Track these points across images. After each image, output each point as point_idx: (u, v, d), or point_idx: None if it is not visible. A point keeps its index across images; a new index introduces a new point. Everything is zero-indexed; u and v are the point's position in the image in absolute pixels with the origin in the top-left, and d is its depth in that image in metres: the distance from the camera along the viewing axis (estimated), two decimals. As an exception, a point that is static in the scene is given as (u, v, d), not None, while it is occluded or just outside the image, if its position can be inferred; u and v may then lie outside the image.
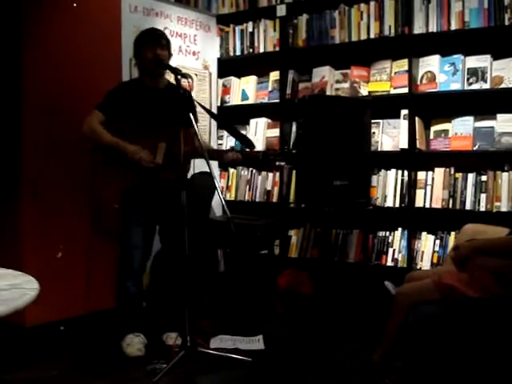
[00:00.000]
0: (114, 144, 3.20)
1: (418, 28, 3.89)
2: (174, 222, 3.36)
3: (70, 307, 3.53)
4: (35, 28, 3.39)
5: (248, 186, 4.67)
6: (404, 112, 3.98)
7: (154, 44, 3.25)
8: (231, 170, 4.76)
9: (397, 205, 4.02)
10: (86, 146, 3.30)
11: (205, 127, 4.35)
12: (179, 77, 3.07)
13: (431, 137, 3.98)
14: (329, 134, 3.65)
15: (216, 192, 3.84)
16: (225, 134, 4.79)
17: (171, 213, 3.34)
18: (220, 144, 4.76)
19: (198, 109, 3.45)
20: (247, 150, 3.50)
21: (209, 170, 2.98)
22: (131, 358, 3.23)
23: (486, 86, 3.73)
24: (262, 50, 4.62)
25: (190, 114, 3.04)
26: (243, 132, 4.74)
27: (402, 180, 3.99)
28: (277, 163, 4.38)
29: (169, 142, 3.21)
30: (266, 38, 4.58)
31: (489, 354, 2.32)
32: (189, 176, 3.42)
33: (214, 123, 4.65)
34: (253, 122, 4.72)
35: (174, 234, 3.38)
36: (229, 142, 4.77)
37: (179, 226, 3.32)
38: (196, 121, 3.33)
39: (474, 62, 3.79)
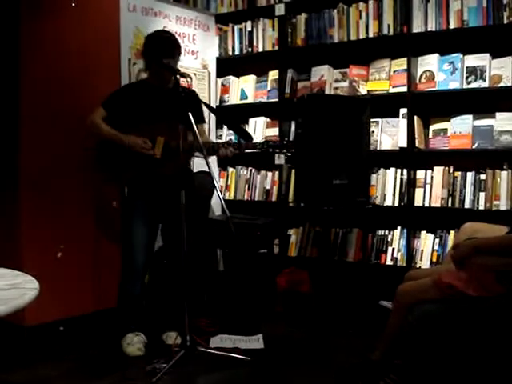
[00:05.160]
0: (112, 136, 3.23)
1: (417, 27, 3.89)
2: (176, 219, 3.36)
3: (70, 307, 3.53)
4: (33, 27, 3.39)
5: (247, 185, 4.67)
6: (403, 111, 3.98)
7: (173, 55, 3.24)
8: (230, 170, 4.75)
9: (396, 204, 4.02)
10: (88, 144, 3.33)
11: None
12: (178, 76, 3.08)
13: (430, 135, 3.98)
14: (328, 133, 3.65)
15: (215, 191, 3.85)
16: (224, 131, 4.79)
17: (173, 210, 3.34)
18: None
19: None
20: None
21: (208, 170, 2.98)
22: (131, 358, 3.22)
23: (485, 84, 3.73)
24: (260, 49, 4.61)
25: (190, 114, 3.04)
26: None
27: (401, 179, 3.99)
28: (276, 161, 4.38)
29: (168, 137, 3.21)
30: (265, 37, 4.58)
31: (489, 353, 2.31)
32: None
33: (213, 121, 4.64)
34: (252, 121, 4.72)
35: (176, 233, 3.37)
36: (227, 139, 4.75)
37: (180, 225, 3.33)
38: (202, 121, 3.44)
39: (472, 60, 3.79)
